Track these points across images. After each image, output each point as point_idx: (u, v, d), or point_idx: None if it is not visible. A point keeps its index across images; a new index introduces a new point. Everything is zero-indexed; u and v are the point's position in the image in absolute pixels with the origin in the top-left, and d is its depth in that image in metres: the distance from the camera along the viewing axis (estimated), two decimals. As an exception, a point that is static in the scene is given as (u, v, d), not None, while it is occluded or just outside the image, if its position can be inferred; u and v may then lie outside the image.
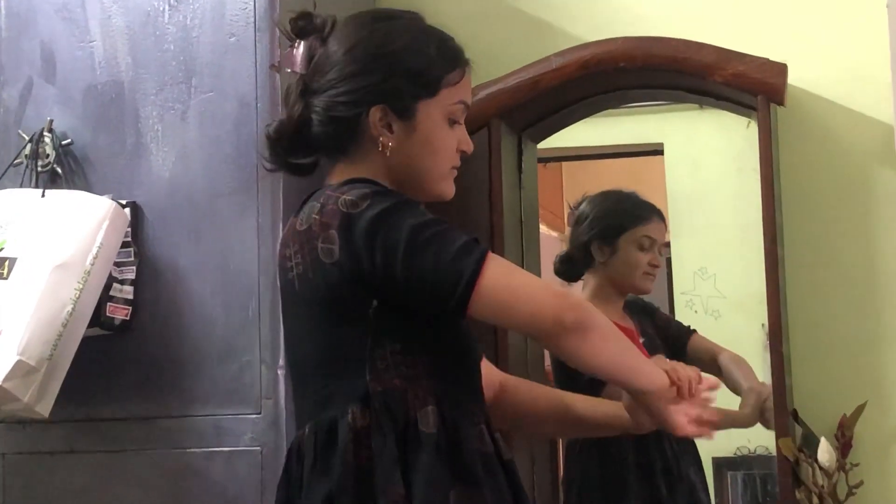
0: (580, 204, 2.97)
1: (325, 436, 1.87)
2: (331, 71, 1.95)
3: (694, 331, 2.88)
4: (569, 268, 2.94)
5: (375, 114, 1.91)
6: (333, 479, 1.84)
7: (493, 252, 1.85)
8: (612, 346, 1.91)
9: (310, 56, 1.98)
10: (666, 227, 2.89)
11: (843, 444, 2.50)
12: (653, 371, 1.93)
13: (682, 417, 1.95)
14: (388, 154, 1.93)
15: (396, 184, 1.95)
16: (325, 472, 1.86)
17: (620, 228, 2.89)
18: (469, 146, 2.00)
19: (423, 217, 1.84)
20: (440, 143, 1.96)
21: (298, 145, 1.99)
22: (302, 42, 1.98)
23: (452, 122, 1.97)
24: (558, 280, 3.00)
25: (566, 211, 3.08)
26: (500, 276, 1.82)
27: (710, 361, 2.78)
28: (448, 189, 2.00)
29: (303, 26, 1.99)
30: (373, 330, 1.86)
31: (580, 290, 2.93)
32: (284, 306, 1.97)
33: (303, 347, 1.95)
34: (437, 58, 1.95)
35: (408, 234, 1.80)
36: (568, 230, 3.01)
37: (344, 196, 1.85)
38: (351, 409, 1.85)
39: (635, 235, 2.88)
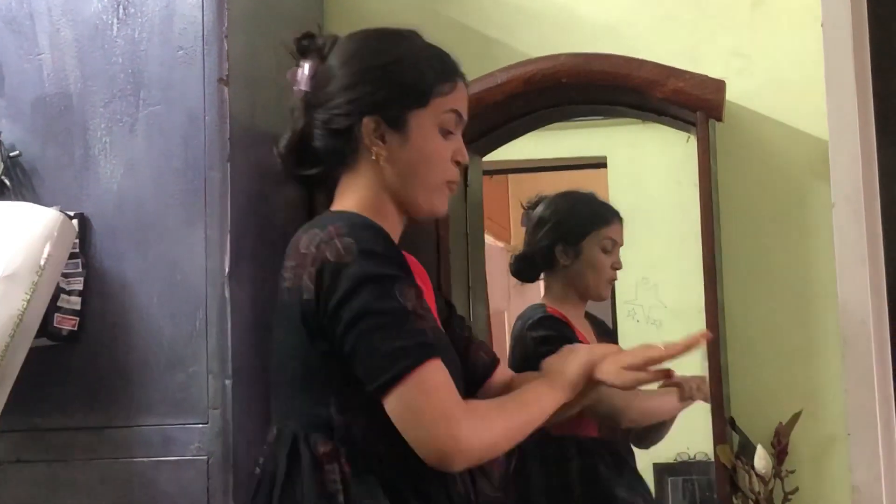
0: (535, 205, 2.97)
1: (289, 454, 1.89)
2: (329, 85, 2.01)
3: None
4: (526, 268, 2.95)
5: (368, 124, 1.96)
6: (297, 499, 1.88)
7: (433, 352, 1.84)
8: (507, 437, 1.93)
9: (312, 74, 2.02)
10: (623, 228, 2.89)
11: (779, 451, 2.53)
12: (546, 394, 1.98)
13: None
14: (381, 164, 1.97)
15: (391, 195, 2.00)
16: (292, 494, 1.88)
17: (585, 230, 2.89)
18: (464, 157, 2.04)
19: (384, 302, 1.83)
20: (432, 152, 1.99)
21: (304, 158, 2.04)
22: (306, 61, 2.03)
23: (446, 133, 2.00)
24: (514, 281, 3.02)
25: (513, 218, 3.09)
26: (412, 395, 1.81)
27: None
28: (441, 204, 2.04)
29: (306, 45, 2.06)
30: (340, 365, 1.87)
31: (540, 292, 2.95)
32: (274, 310, 2.00)
33: (284, 353, 1.97)
34: (428, 69, 1.99)
35: (358, 312, 1.82)
36: (522, 230, 3.00)
37: (336, 241, 1.86)
38: (314, 434, 1.87)
39: (599, 237, 2.88)
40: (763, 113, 2.72)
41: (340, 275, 1.84)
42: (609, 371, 1.96)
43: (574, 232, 2.89)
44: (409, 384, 1.80)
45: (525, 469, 2.80)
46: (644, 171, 3.10)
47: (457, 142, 2.03)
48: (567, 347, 2.07)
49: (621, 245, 2.89)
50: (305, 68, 2.05)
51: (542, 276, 2.98)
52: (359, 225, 1.90)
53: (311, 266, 1.86)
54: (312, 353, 1.90)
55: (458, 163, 2.03)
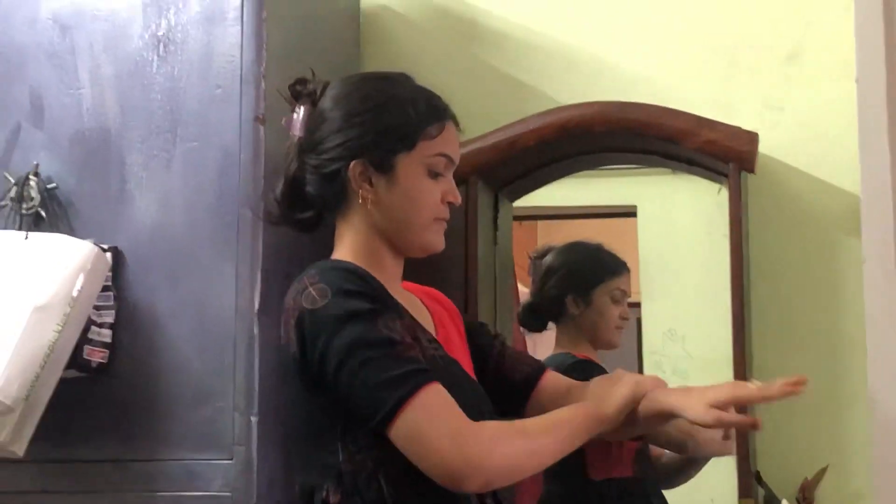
0: (543, 254, 2.97)
1: None
2: (318, 130, 2.00)
3: None
4: (534, 319, 2.94)
5: (356, 168, 1.95)
6: None
7: (435, 382, 1.82)
8: (538, 454, 1.88)
9: (305, 119, 2.02)
10: (630, 279, 2.89)
11: None
12: (582, 420, 1.91)
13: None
14: (369, 207, 1.96)
15: (384, 237, 1.99)
16: None
17: (595, 281, 2.88)
18: (456, 197, 2.02)
19: (371, 333, 1.82)
20: (420, 195, 1.97)
21: (297, 202, 2.03)
22: (302, 107, 2.03)
23: (435, 175, 1.98)
24: (522, 329, 3.02)
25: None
26: (415, 420, 1.79)
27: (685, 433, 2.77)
28: (434, 241, 2.02)
29: (299, 90, 2.05)
30: (343, 414, 1.86)
31: (549, 341, 2.94)
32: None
33: (296, 408, 1.96)
34: (414, 113, 1.97)
35: (346, 349, 1.81)
36: (530, 281, 3.01)
37: (310, 288, 1.86)
38: (326, 484, 1.87)
39: (609, 288, 2.87)
40: (795, 166, 2.72)
41: (319, 319, 1.83)
42: (694, 408, 1.92)
43: (585, 282, 2.90)
44: (411, 410, 1.78)
45: None
46: (674, 222, 3.10)
47: (447, 183, 2.01)
48: (618, 371, 2.02)
49: (629, 296, 2.90)
50: (299, 114, 2.05)
51: (547, 326, 2.98)
52: (329, 269, 1.90)
53: (292, 318, 1.87)
54: (314, 405, 1.90)
55: (450, 203, 2.02)
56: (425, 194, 1.98)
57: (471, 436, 1.81)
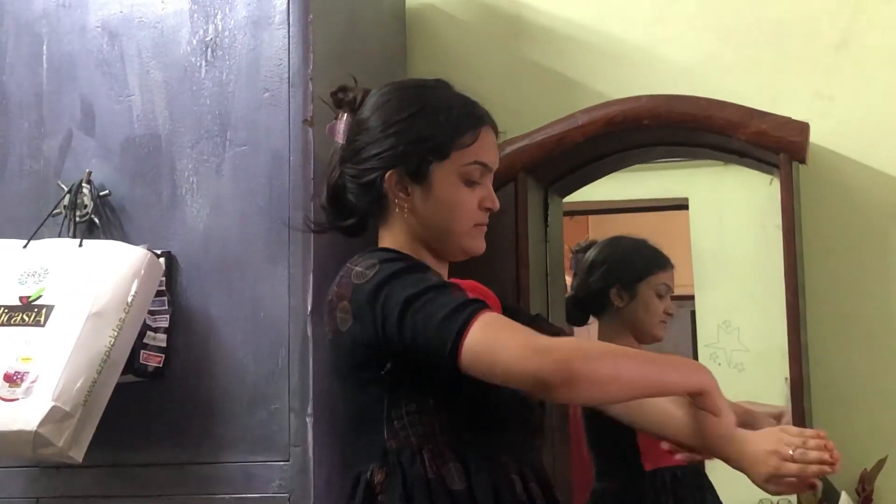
0: (586, 249, 2.99)
1: (349, 491, 1.93)
2: (357, 140, 2.03)
3: None
4: (576, 312, 2.96)
5: (392, 177, 1.97)
6: None
7: (492, 311, 1.84)
8: (616, 379, 1.83)
9: (346, 127, 2.05)
10: (674, 276, 2.91)
11: (864, 498, 2.51)
12: (684, 371, 1.88)
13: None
14: (406, 215, 1.99)
15: (424, 243, 2.01)
16: None
17: (641, 274, 2.91)
18: (494, 203, 2.03)
19: (421, 284, 1.85)
20: (456, 203, 1.99)
21: (340, 209, 2.06)
22: (344, 114, 2.05)
23: (471, 182, 2.00)
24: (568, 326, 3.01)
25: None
26: (481, 338, 1.79)
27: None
28: (475, 245, 2.03)
29: (340, 98, 2.08)
30: (389, 391, 1.90)
31: (589, 335, 2.95)
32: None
33: (346, 400, 2.00)
34: (446, 123, 1.99)
35: (403, 301, 1.83)
36: (572, 274, 3.03)
37: (356, 267, 1.91)
38: (371, 466, 1.90)
39: (655, 282, 2.90)
40: (847, 155, 2.71)
41: (372, 287, 1.86)
42: (758, 476, 1.90)
43: (631, 275, 2.93)
44: (478, 328, 1.79)
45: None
46: (726, 213, 3.10)
47: (484, 189, 2.02)
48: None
49: (673, 291, 2.92)
50: (341, 121, 2.07)
51: (589, 320, 3.00)
52: (369, 251, 1.95)
53: (341, 301, 1.90)
54: (362, 390, 1.93)
55: (487, 209, 2.03)
56: (461, 203, 2.00)
57: (548, 342, 1.81)
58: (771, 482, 1.87)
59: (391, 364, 1.88)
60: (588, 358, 1.80)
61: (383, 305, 1.85)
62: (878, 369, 2.63)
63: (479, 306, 1.83)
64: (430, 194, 1.99)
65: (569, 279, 3.06)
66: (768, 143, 2.62)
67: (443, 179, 1.99)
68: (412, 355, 1.85)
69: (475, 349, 1.79)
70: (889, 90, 2.53)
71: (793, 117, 2.61)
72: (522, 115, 2.79)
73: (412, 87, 2.11)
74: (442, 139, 1.98)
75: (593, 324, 3.00)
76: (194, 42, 2.52)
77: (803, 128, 2.60)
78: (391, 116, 2.01)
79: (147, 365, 2.40)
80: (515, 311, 2.19)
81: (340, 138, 2.07)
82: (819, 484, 1.91)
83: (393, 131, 2.00)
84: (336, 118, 2.08)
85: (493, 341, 1.80)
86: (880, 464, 2.51)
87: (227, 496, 2.37)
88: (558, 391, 1.78)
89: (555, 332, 2.15)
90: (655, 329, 2.91)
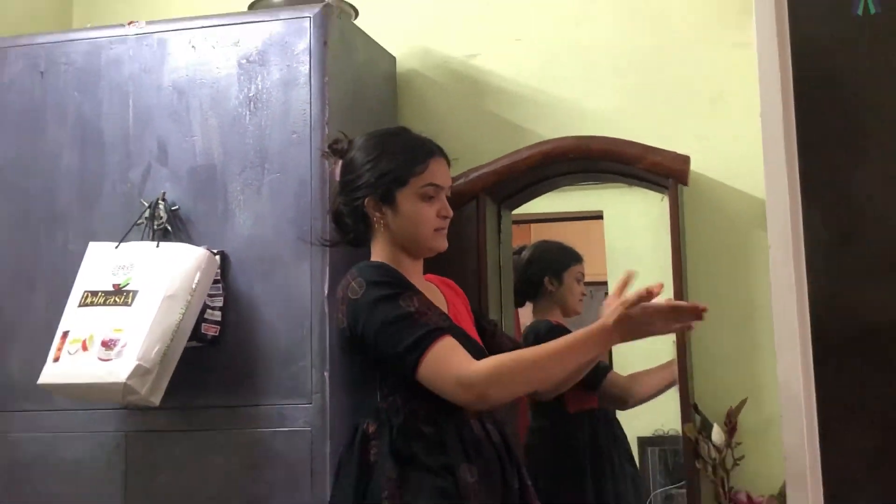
0: (520, 251, 3.03)
1: (349, 439, 1.98)
2: (346, 177, 2.08)
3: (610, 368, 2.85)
4: (518, 298, 2.96)
5: (369, 203, 2.03)
6: (351, 473, 1.93)
7: (448, 329, 1.91)
8: (528, 384, 1.93)
9: (340, 169, 2.11)
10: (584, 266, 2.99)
11: (730, 428, 2.53)
12: (586, 339, 1.87)
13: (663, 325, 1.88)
14: (384, 230, 2.04)
15: (401, 248, 2.05)
16: (348, 467, 1.95)
17: (566, 265, 2.96)
18: (448, 212, 2.07)
19: (393, 313, 1.90)
20: (418, 217, 2.03)
21: (342, 228, 2.12)
22: (337, 160, 2.11)
23: (429, 198, 2.03)
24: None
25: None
26: (427, 373, 1.87)
27: (623, 390, 2.80)
28: (438, 244, 2.08)
29: (334, 148, 2.13)
30: (378, 370, 1.95)
31: (529, 313, 3.00)
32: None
33: (351, 369, 2.11)
34: (403, 158, 2.03)
35: (379, 325, 1.89)
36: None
37: (353, 282, 1.96)
38: (367, 420, 1.96)
39: (574, 272, 2.96)
40: (718, 179, 2.72)
41: (359, 306, 1.92)
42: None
43: (559, 267, 2.97)
44: (429, 357, 1.86)
45: (541, 447, 2.83)
46: (630, 222, 3.09)
47: (439, 202, 2.05)
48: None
49: (585, 279, 2.99)
50: (337, 165, 2.12)
51: (525, 303, 3.03)
52: (364, 267, 2.00)
53: (342, 305, 1.97)
54: (361, 365, 1.99)
55: (443, 217, 2.05)
56: (421, 215, 2.04)
57: (471, 368, 1.85)
58: (621, 322, 1.84)
59: (374, 359, 1.94)
60: (501, 384, 1.85)
61: (364, 324, 1.91)
62: (739, 336, 2.64)
63: (431, 340, 1.87)
64: (397, 213, 2.04)
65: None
66: (661, 171, 2.65)
67: (405, 200, 2.03)
68: (385, 362, 1.91)
69: (424, 377, 1.87)
70: (748, 133, 2.50)
71: (678, 152, 2.64)
72: (481, 150, 2.80)
73: (379, 135, 2.14)
74: (400, 172, 2.03)
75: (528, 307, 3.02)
76: (241, 97, 2.51)
77: (686, 160, 2.64)
78: (363, 157, 2.06)
79: (207, 334, 2.40)
80: (479, 315, 2.26)
81: (338, 177, 2.12)
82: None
83: (365, 169, 2.05)
84: (334, 163, 2.14)
85: (435, 376, 1.86)
86: (741, 404, 2.54)
87: (265, 430, 2.38)
88: (482, 403, 1.90)
89: (506, 342, 2.21)
90: (577, 306, 2.95)
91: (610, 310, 1.88)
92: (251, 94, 2.51)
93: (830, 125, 2.24)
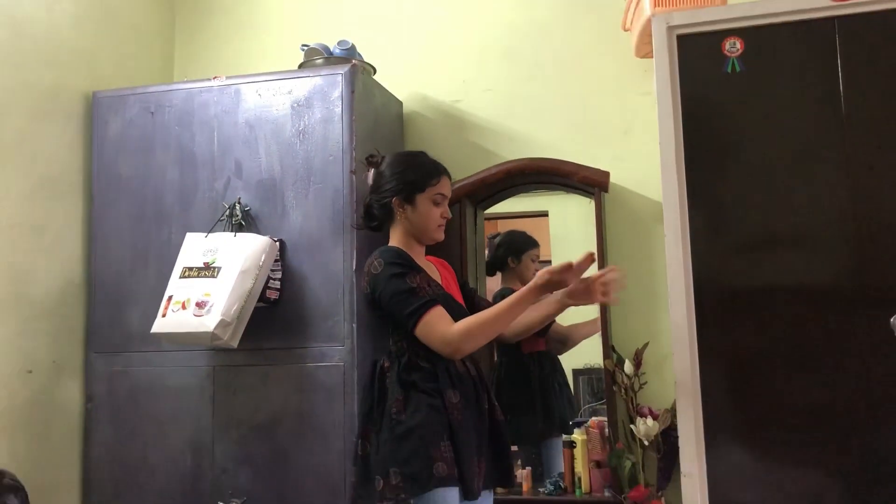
0: (496, 236, 2.87)
1: (370, 371, 1.95)
2: (377, 182, 2.03)
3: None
4: (490, 271, 2.84)
5: (396, 202, 2.00)
6: (372, 395, 1.91)
7: (439, 299, 1.87)
8: (489, 335, 1.88)
9: (373, 176, 2.06)
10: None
11: (637, 362, 2.54)
12: (522, 296, 1.86)
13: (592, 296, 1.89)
14: (403, 221, 2.00)
15: (412, 236, 2.01)
16: (369, 391, 1.93)
17: (524, 249, 2.77)
18: (448, 215, 2.06)
19: (402, 286, 1.87)
20: (428, 215, 2.02)
21: (369, 218, 2.07)
22: (372, 169, 2.07)
23: (437, 203, 2.02)
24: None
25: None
26: (422, 332, 1.85)
27: (563, 336, 2.68)
28: (439, 236, 2.06)
29: (370, 160, 2.08)
30: (391, 322, 1.92)
31: (499, 281, 2.81)
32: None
33: (372, 322, 2.06)
34: (422, 172, 2.01)
35: (390, 295, 1.88)
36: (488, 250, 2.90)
37: (374, 261, 1.93)
38: (383, 358, 1.94)
39: (531, 253, 2.78)
40: (629, 188, 2.71)
41: (378, 279, 1.90)
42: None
43: (519, 249, 2.66)
44: (423, 322, 1.85)
45: (504, 376, 2.79)
46: (568, 219, 3.01)
47: (442, 207, 2.03)
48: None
49: (539, 259, 2.65)
50: (371, 173, 2.09)
51: (497, 273, 2.82)
52: (384, 250, 1.97)
53: (367, 277, 1.94)
54: (377, 319, 1.97)
55: (445, 218, 2.04)
56: (431, 214, 2.02)
57: (452, 330, 1.85)
58: (544, 282, 1.84)
59: (387, 317, 1.92)
60: (471, 338, 1.85)
61: (381, 292, 1.89)
62: (644, 300, 2.63)
63: (426, 309, 1.85)
64: (415, 210, 2.02)
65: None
66: (589, 182, 2.64)
67: (421, 202, 2.02)
68: (394, 320, 1.89)
69: (420, 335, 1.85)
70: (649, 154, 2.45)
71: (602, 168, 2.64)
72: (464, 167, 2.78)
73: (406, 154, 2.13)
74: (421, 182, 2.01)
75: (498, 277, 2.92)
76: (293, 130, 2.51)
77: (606, 174, 2.63)
78: (394, 169, 2.04)
79: (270, 297, 2.40)
80: (464, 284, 2.22)
81: (370, 181, 2.11)
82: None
83: (396, 177, 2.02)
84: (367, 171, 2.11)
85: (428, 334, 1.85)
86: (645, 345, 2.54)
87: (311, 364, 2.37)
88: (458, 354, 1.86)
89: (482, 303, 2.15)
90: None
91: (538, 274, 1.91)
92: (300, 128, 2.51)
93: (707, 151, 2.25)
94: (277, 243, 2.43)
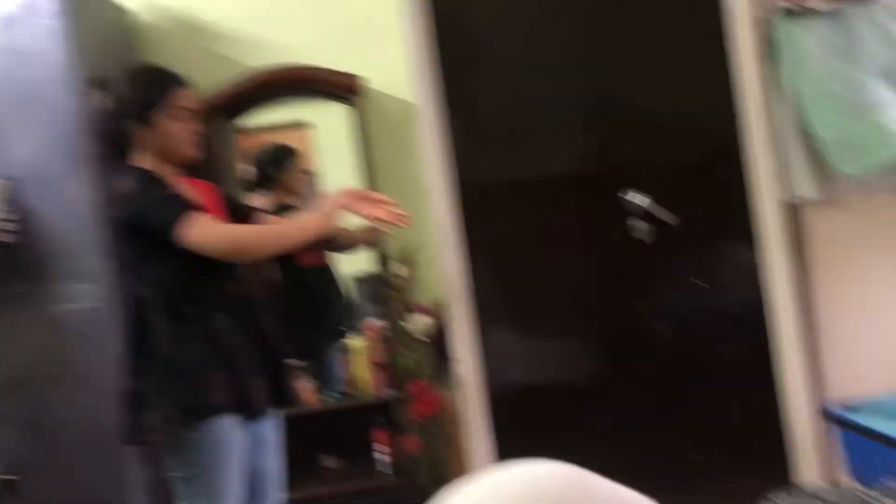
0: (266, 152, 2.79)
1: (131, 308, 1.85)
2: (110, 105, 1.93)
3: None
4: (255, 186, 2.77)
5: (132, 124, 1.88)
6: (133, 335, 1.84)
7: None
8: (273, 241, 1.83)
9: (103, 99, 1.95)
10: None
11: (408, 264, 2.60)
12: (305, 226, 1.84)
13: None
14: (146, 143, 1.88)
15: (160, 157, 1.89)
16: (130, 329, 1.85)
17: (285, 164, 2.72)
18: (198, 129, 1.93)
19: (159, 193, 1.80)
20: (169, 133, 1.90)
21: (110, 146, 1.92)
22: (101, 91, 1.96)
23: (178, 118, 1.90)
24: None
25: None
26: (197, 232, 1.75)
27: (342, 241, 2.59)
28: (189, 152, 1.93)
29: (95, 82, 1.99)
30: (150, 247, 1.82)
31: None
32: None
33: None
34: (155, 88, 1.91)
35: (147, 206, 1.80)
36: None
37: (123, 184, 1.83)
38: (146, 292, 1.85)
39: (294, 168, 2.71)
40: (387, 93, 2.69)
41: (130, 199, 1.81)
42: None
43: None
44: (194, 224, 1.76)
45: (283, 292, 2.77)
46: (332, 130, 2.89)
47: (188, 122, 1.91)
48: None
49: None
50: (100, 95, 1.98)
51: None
52: (132, 172, 1.86)
53: (117, 203, 1.84)
54: (136, 248, 1.86)
55: (194, 133, 1.93)
56: (174, 131, 1.90)
57: (237, 229, 1.84)
58: (328, 212, 1.82)
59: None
60: (259, 239, 1.83)
61: (135, 211, 1.80)
62: (414, 204, 2.45)
63: (194, 210, 1.77)
64: (155, 130, 1.89)
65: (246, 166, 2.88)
66: (343, 88, 2.60)
67: (160, 120, 1.89)
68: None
69: (193, 239, 1.75)
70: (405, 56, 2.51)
71: (354, 73, 2.60)
72: (210, 79, 2.61)
73: (135, 70, 2.03)
74: (155, 98, 1.88)
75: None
76: (3, 49, 2.24)
77: (355, 78, 2.60)
78: (125, 89, 1.91)
79: (2, 241, 2.19)
80: (237, 207, 2.08)
81: (102, 105, 1.98)
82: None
83: (127, 97, 1.90)
84: (97, 94, 2.00)
85: (202, 235, 1.76)
86: (417, 248, 2.59)
87: (64, 307, 2.22)
88: (236, 258, 1.82)
89: (266, 221, 2.06)
90: (300, 190, 2.76)
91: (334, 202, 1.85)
92: (11, 47, 2.26)
93: (459, 54, 2.29)
94: (2, 182, 2.24)
